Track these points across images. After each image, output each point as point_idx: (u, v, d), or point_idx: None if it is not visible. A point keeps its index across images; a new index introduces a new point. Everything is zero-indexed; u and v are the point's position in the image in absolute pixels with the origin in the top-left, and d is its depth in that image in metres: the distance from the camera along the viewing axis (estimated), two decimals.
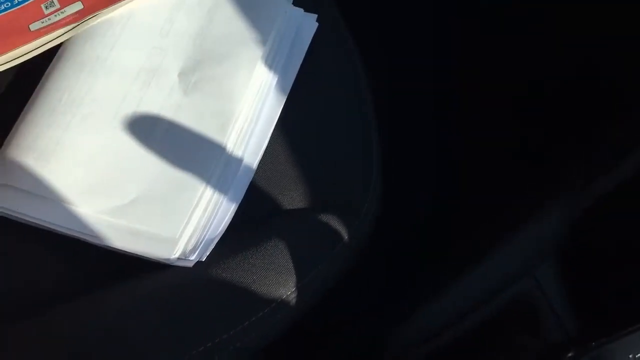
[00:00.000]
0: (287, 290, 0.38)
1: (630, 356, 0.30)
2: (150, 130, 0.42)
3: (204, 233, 0.39)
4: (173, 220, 0.39)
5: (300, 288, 0.39)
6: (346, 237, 0.43)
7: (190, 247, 0.38)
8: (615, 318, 0.36)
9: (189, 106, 0.42)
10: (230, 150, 0.41)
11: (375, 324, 0.54)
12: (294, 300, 0.38)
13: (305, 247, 0.41)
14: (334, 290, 0.43)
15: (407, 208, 0.63)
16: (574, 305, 0.45)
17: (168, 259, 0.38)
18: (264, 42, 0.43)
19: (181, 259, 0.38)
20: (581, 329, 0.44)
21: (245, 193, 0.42)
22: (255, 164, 0.42)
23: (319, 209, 0.43)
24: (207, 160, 0.41)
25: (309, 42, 0.46)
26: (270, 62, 0.43)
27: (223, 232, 0.40)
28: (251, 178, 0.42)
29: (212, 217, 0.40)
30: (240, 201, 0.41)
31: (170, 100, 0.43)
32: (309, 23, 0.46)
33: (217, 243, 0.40)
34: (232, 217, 0.40)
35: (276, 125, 0.44)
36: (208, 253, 0.39)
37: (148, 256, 0.38)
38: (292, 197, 0.44)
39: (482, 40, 0.71)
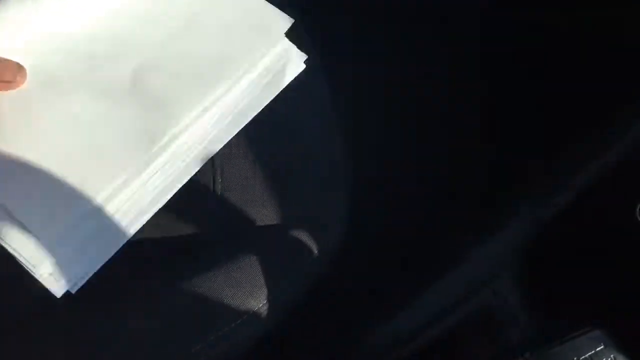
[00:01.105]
0: (258, 302, 0.40)
1: (575, 359, 0.33)
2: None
3: (71, 264, 0.35)
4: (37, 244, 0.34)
5: (271, 300, 0.40)
6: (316, 252, 0.44)
7: (56, 275, 0.34)
8: (566, 323, 0.39)
9: (125, 108, 0.38)
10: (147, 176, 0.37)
11: (342, 335, 0.56)
12: (265, 313, 0.40)
13: (277, 262, 0.43)
14: (303, 304, 0.44)
15: (374, 222, 0.65)
16: (533, 312, 0.47)
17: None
18: (237, 71, 0.40)
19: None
20: (537, 333, 0.47)
21: (221, 209, 0.44)
22: (164, 199, 0.38)
23: (290, 225, 0.45)
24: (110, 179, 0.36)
25: (289, 81, 0.42)
26: (237, 94, 0.40)
27: (99, 265, 0.36)
28: (148, 218, 0.37)
29: (89, 247, 0.35)
30: (128, 238, 0.37)
31: (110, 94, 0.38)
32: (296, 62, 0.42)
33: (192, 257, 0.41)
34: (115, 251, 0.36)
35: (247, 143, 0.46)
36: (79, 286, 0.35)
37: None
38: (265, 214, 0.45)
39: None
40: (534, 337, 0.44)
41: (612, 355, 0.33)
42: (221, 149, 0.42)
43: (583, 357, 0.33)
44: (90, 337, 0.38)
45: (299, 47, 0.43)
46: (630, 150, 0.48)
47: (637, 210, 0.52)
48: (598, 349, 0.33)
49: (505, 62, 0.70)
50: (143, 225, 0.38)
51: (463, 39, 0.74)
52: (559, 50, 0.66)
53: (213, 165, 0.46)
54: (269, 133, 0.47)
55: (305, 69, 0.43)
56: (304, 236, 0.45)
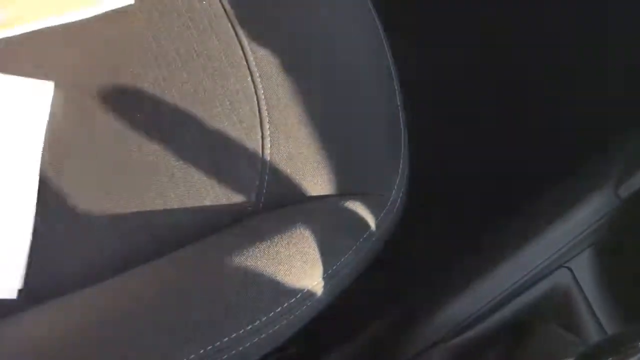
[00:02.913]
0: (312, 281, 0.37)
1: None
2: None
3: None
4: None
5: (325, 279, 0.37)
6: (372, 227, 0.41)
7: None
8: None
9: None
10: None
11: (399, 319, 0.52)
12: (319, 292, 0.37)
13: (331, 236, 0.39)
14: (358, 283, 0.41)
15: (436, 198, 0.61)
16: (609, 299, 0.43)
17: None
18: None
19: None
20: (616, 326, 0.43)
21: (267, 177, 0.41)
22: None
23: (344, 196, 0.41)
24: None
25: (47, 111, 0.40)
26: None
27: None
28: None
29: None
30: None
31: None
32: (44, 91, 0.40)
33: (241, 227, 0.38)
34: None
35: (300, 107, 0.42)
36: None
37: None
38: (316, 184, 0.42)
39: None
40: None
41: None
42: (271, 111, 0.38)
43: None
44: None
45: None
46: None
47: None
48: None
49: None
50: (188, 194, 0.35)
51: None
52: None
53: (262, 128, 0.42)
54: (325, 99, 0.44)
55: (369, 41, 0.39)
56: (360, 209, 0.41)
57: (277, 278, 0.35)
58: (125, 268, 0.38)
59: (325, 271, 0.37)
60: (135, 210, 0.41)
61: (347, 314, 0.52)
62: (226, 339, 0.33)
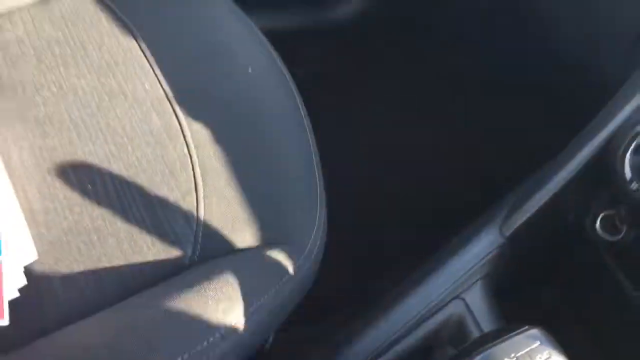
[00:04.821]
0: (235, 318, 0.44)
1: (512, 355, 0.36)
2: None
3: None
4: None
5: (247, 316, 0.44)
6: (291, 271, 0.48)
7: None
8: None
9: None
10: None
11: (319, 350, 0.59)
12: (241, 328, 0.43)
13: (254, 280, 0.47)
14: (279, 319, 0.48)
15: (348, 243, 0.69)
16: (498, 323, 0.51)
17: None
18: None
19: None
20: None
21: (202, 234, 0.48)
22: None
23: (267, 246, 0.49)
24: None
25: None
26: None
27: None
28: None
29: None
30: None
31: None
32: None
33: (178, 277, 0.45)
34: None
35: (229, 171, 0.50)
36: None
37: None
38: (244, 237, 0.49)
39: None
40: None
41: (546, 351, 0.36)
42: (205, 176, 0.47)
43: (520, 353, 0.36)
44: None
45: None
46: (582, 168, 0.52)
47: (598, 222, 0.56)
48: (534, 346, 0.36)
49: None
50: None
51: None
52: None
53: (196, 191, 0.50)
54: (249, 159, 0.52)
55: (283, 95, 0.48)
56: (280, 257, 0.48)
57: (203, 317, 0.42)
58: (75, 320, 0.45)
59: (247, 309, 0.44)
60: (84, 269, 0.48)
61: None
62: None
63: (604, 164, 0.51)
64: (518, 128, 0.84)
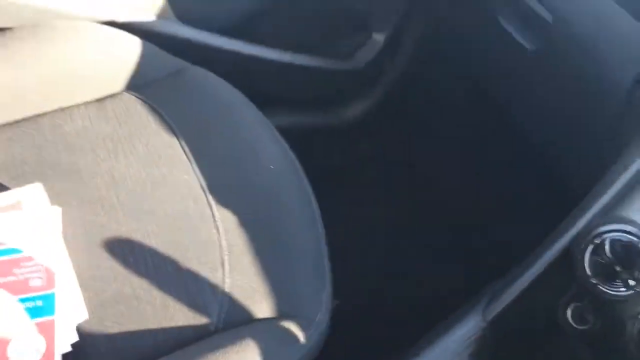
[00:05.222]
0: None
1: None
2: None
3: None
4: None
5: None
6: (303, 340, 0.56)
7: None
8: None
9: None
10: None
11: None
12: None
13: (270, 347, 0.54)
14: None
15: (354, 317, 0.77)
16: None
17: None
18: None
19: None
20: None
21: (226, 305, 0.56)
22: None
23: (282, 318, 0.57)
24: None
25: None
26: None
27: None
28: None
29: None
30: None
31: None
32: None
33: (205, 341, 0.53)
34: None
35: (252, 252, 0.60)
36: None
37: None
38: (262, 308, 0.57)
39: None
40: None
41: None
42: (230, 255, 0.56)
43: None
44: None
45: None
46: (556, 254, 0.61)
47: (569, 312, 0.64)
48: None
49: None
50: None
51: None
52: None
53: (223, 268, 0.59)
54: (264, 239, 0.61)
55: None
56: (293, 327, 0.56)
57: None
58: None
59: None
60: (125, 330, 0.55)
61: None
62: None
63: (570, 262, 0.60)
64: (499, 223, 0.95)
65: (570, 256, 0.59)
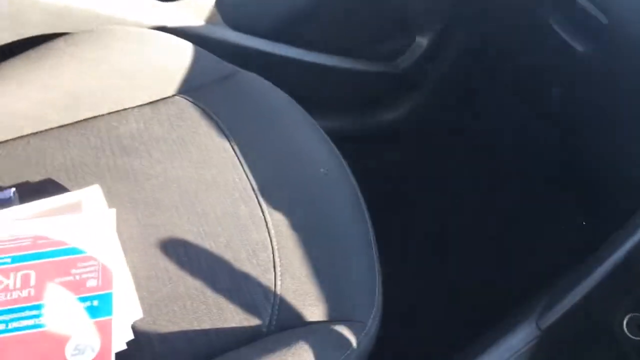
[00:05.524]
0: None
1: None
2: None
3: None
4: None
5: None
6: (354, 345, 0.55)
7: None
8: None
9: None
10: None
11: None
12: None
13: (323, 352, 0.54)
14: None
15: (404, 324, 0.76)
16: None
17: None
18: None
19: None
20: None
21: (278, 307, 0.56)
22: None
23: (333, 322, 0.57)
24: None
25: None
26: None
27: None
28: None
29: None
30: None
31: None
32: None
33: (258, 343, 0.53)
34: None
35: (303, 255, 0.59)
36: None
37: None
38: (314, 312, 0.57)
39: None
40: None
41: None
42: (282, 257, 0.57)
43: None
44: None
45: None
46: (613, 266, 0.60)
47: (624, 322, 0.62)
48: None
49: None
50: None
51: None
52: None
53: (274, 269, 0.59)
54: (316, 244, 0.61)
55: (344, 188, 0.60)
56: (345, 332, 0.56)
57: None
58: None
59: None
60: (178, 329, 0.56)
61: None
62: None
63: (632, 269, 0.58)
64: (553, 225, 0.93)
65: (633, 262, 0.58)
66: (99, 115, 0.69)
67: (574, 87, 0.81)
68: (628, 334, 0.61)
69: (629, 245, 0.60)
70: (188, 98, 0.71)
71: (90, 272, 0.55)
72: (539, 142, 0.95)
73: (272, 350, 0.53)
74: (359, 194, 0.69)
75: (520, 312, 0.63)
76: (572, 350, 0.62)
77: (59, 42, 0.71)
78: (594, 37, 0.73)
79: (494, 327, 0.66)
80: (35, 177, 0.63)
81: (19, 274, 0.54)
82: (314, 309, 0.58)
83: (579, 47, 0.75)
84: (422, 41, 1.06)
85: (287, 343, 0.54)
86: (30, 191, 0.61)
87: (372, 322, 0.58)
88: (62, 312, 0.53)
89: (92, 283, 0.55)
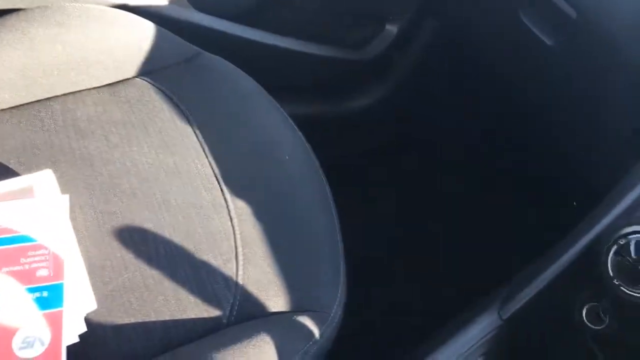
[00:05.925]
0: None
1: None
2: None
3: None
4: None
5: None
6: (317, 335, 0.55)
7: None
8: None
9: None
10: None
11: None
12: None
13: (285, 342, 0.53)
14: None
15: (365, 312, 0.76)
16: None
17: None
18: None
19: None
20: None
21: (239, 297, 0.55)
22: None
23: (296, 312, 0.56)
24: None
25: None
26: None
27: None
28: None
29: None
30: None
31: None
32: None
33: (218, 335, 0.51)
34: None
35: (266, 244, 0.58)
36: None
37: None
38: (277, 302, 0.56)
39: None
40: None
41: None
42: (244, 246, 0.55)
43: None
44: None
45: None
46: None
47: (584, 312, 0.63)
48: None
49: None
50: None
51: None
52: None
53: (236, 259, 0.57)
54: (282, 236, 0.60)
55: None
56: (308, 322, 0.55)
57: None
58: None
59: None
60: (135, 321, 0.54)
61: None
62: None
63: (590, 262, 0.59)
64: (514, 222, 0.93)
65: (591, 256, 0.58)
66: (54, 97, 0.66)
67: (542, 80, 0.82)
68: (588, 323, 0.61)
69: (590, 236, 0.61)
70: (149, 80, 0.69)
71: (41, 261, 0.53)
72: (505, 133, 0.95)
73: (232, 342, 0.51)
74: (325, 183, 0.68)
75: (482, 303, 0.63)
76: (534, 339, 0.63)
77: (10, 19, 0.68)
78: (562, 31, 0.73)
79: (455, 318, 0.66)
80: None
81: None
82: (277, 299, 0.56)
83: (547, 41, 0.75)
84: (392, 29, 1.04)
85: (248, 334, 0.52)
86: None
87: (336, 312, 0.57)
88: (9, 304, 0.50)
89: (42, 273, 0.52)
